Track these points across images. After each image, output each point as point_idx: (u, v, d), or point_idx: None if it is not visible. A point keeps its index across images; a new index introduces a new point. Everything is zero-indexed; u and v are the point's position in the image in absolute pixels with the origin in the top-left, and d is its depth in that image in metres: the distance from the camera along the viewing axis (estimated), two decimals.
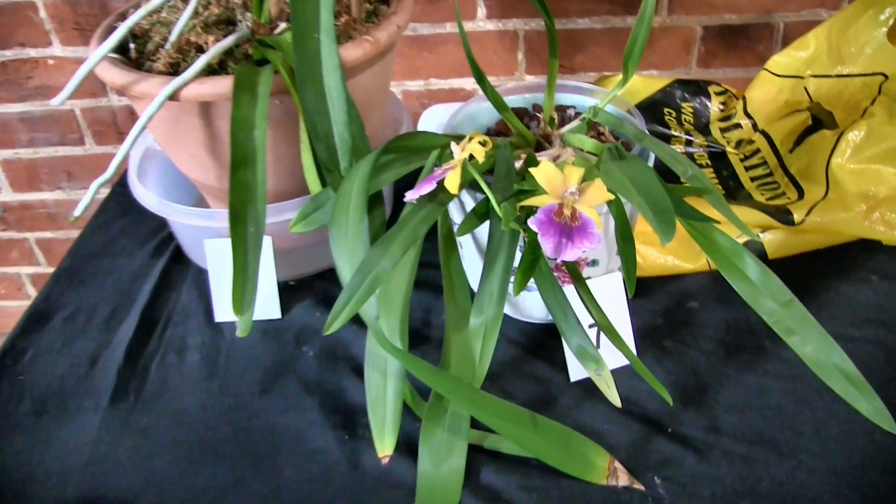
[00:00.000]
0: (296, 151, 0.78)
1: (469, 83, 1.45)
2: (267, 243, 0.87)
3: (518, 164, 0.73)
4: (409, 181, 0.71)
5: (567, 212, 0.54)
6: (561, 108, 0.88)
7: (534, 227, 0.54)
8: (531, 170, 0.54)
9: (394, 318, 0.64)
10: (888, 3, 1.06)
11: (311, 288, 0.97)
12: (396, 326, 0.64)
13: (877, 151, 0.96)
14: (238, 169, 0.69)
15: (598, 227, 0.54)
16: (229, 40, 0.77)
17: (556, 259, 0.55)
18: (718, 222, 0.60)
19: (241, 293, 0.67)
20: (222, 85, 0.75)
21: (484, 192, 0.67)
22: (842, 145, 0.97)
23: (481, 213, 0.66)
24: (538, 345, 0.87)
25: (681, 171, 0.63)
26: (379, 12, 0.89)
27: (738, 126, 1.14)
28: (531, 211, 0.61)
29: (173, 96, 0.76)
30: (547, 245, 0.54)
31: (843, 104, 1.07)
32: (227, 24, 0.83)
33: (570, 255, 0.54)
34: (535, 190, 0.63)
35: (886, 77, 1.05)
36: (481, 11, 1.37)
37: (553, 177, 0.54)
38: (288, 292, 0.96)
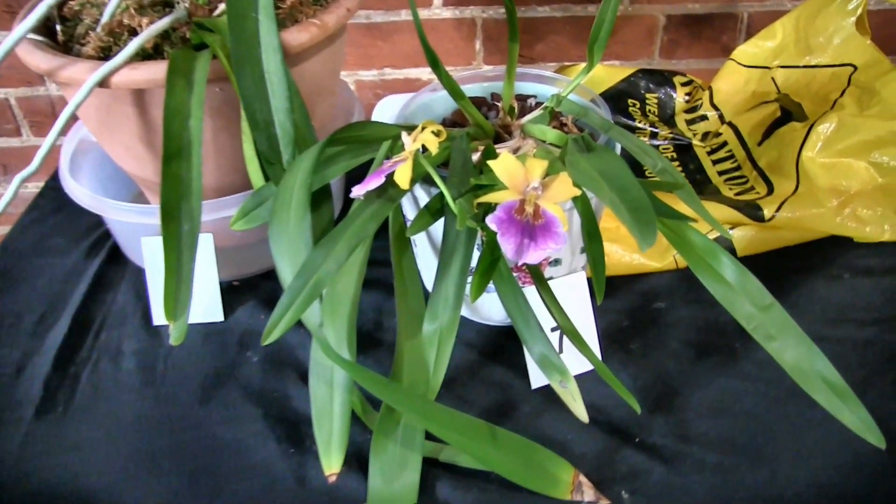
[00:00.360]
0: (238, 143, 0.72)
1: (426, 73, 1.40)
2: (207, 241, 0.82)
3: (475, 157, 0.69)
4: (361, 175, 0.66)
5: (529, 209, 0.49)
6: (521, 98, 0.83)
7: (493, 227, 0.48)
8: (490, 162, 0.49)
9: (340, 325, 0.59)
10: None
11: (256, 288, 0.91)
12: (343, 333, 0.59)
13: (848, 144, 0.93)
14: (171, 161, 0.63)
15: (563, 226, 0.49)
16: (164, 22, 0.71)
17: (517, 262, 0.50)
18: (695, 220, 0.56)
19: (173, 297, 0.61)
20: (156, 70, 0.69)
21: (439, 187, 0.62)
22: (812, 138, 0.94)
23: (435, 209, 0.60)
24: (497, 348, 0.82)
25: (650, 163, 0.59)
26: None
27: (704, 118, 1.10)
28: (490, 208, 0.56)
29: (103, 83, 0.70)
30: (507, 246, 0.49)
31: (812, 95, 1.03)
32: (164, 5, 0.77)
33: (533, 257, 0.49)
34: (495, 185, 0.58)
35: (855, 68, 1.02)
36: None
37: (514, 170, 0.49)
38: (231, 293, 0.90)
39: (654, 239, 0.36)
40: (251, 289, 0.91)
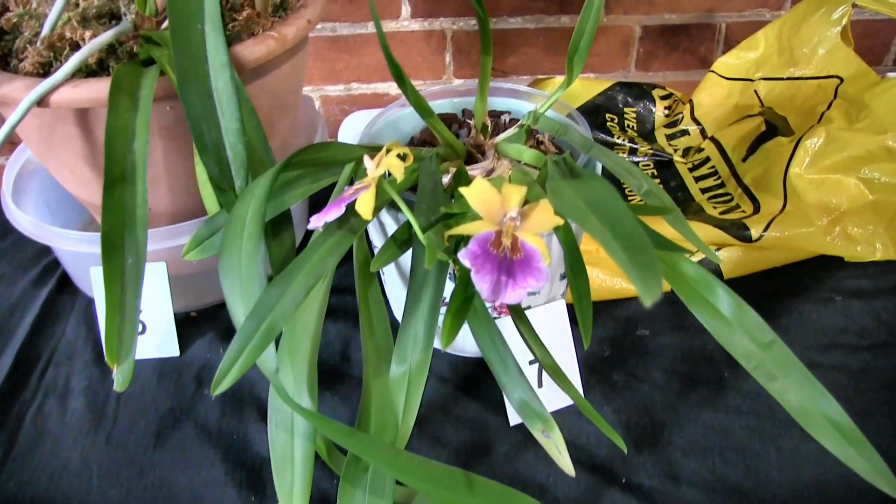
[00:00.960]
0: (191, 166, 0.67)
1: (395, 87, 1.35)
2: (160, 271, 0.76)
3: (446, 179, 0.64)
4: (324, 197, 0.61)
5: (507, 241, 0.44)
6: (494, 115, 0.79)
7: (466, 263, 0.43)
8: (462, 190, 0.44)
9: (300, 368, 0.53)
10: (840, 2, 0.99)
11: (215, 319, 0.86)
12: (303, 378, 0.53)
13: (837, 160, 0.89)
14: (114, 187, 0.57)
15: (544, 260, 0.44)
16: (107, 35, 0.65)
17: (494, 302, 0.44)
18: (690, 251, 0.51)
19: (116, 338, 0.55)
20: (99, 88, 0.64)
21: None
22: (800, 153, 0.90)
23: (402, 240, 0.55)
24: (472, 382, 0.77)
25: (635, 185, 0.54)
26: (287, 5, 0.78)
27: (685, 132, 1.06)
28: (463, 239, 0.51)
29: (42, 102, 0.64)
30: (483, 285, 0.44)
31: (797, 108, 0.99)
32: (110, 17, 0.71)
33: (511, 296, 0.44)
34: (467, 212, 0.53)
35: (842, 80, 0.98)
36: (406, 10, 1.27)
37: (488, 198, 0.44)
38: (188, 325, 0.84)
39: (660, 289, 0.31)
40: (210, 319, 0.86)
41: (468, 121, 0.75)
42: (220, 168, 0.56)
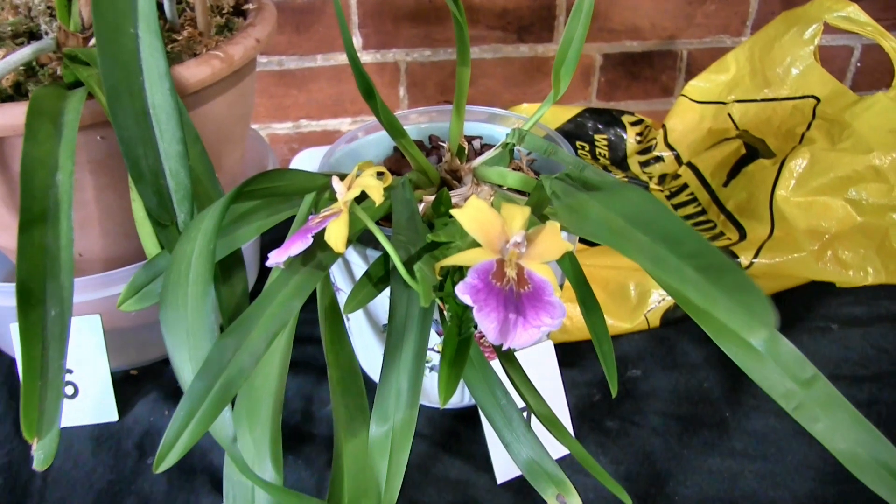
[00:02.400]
0: (127, 204, 0.58)
1: (345, 123, 1.27)
2: (94, 324, 0.67)
3: (420, 209, 0.56)
4: (279, 236, 0.53)
5: (511, 272, 0.37)
6: (466, 140, 0.72)
7: (466, 300, 0.36)
8: (455, 212, 0.37)
9: (261, 433, 0.45)
10: (812, 19, 0.95)
11: (159, 377, 0.76)
12: (266, 444, 0.45)
13: (824, 182, 0.84)
14: (31, 228, 0.49)
15: (555, 292, 0.37)
16: (23, 53, 0.57)
17: (501, 345, 0.37)
18: None
19: (35, 407, 0.46)
20: (15, 114, 0.55)
21: (377, 247, 0.49)
22: (785, 175, 0.84)
23: (378, 277, 0.47)
24: (452, 436, 0.69)
25: None
26: (233, 25, 0.70)
27: (659, 159, 1.00)
28: (450, 275, 0.43)
29: None
30: (489, 325, 0.36)
31: (775, 130, 0.94)
32: (28, 37, 0.63)
33: (523, 337, 0.36)
34: (451, 242, 0.46)
35: (819, 100, 0.93)
36: (357, 41, 1.20)
37: (487, 221, 0.37)
38: (128, 385, 0.75)
39: (772, 313, 0.24)
40: (153, 377, 0.76)
41: (440, 144, 0.68)
42: (159, 199, 0.48)
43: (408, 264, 0.43)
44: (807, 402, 0.43)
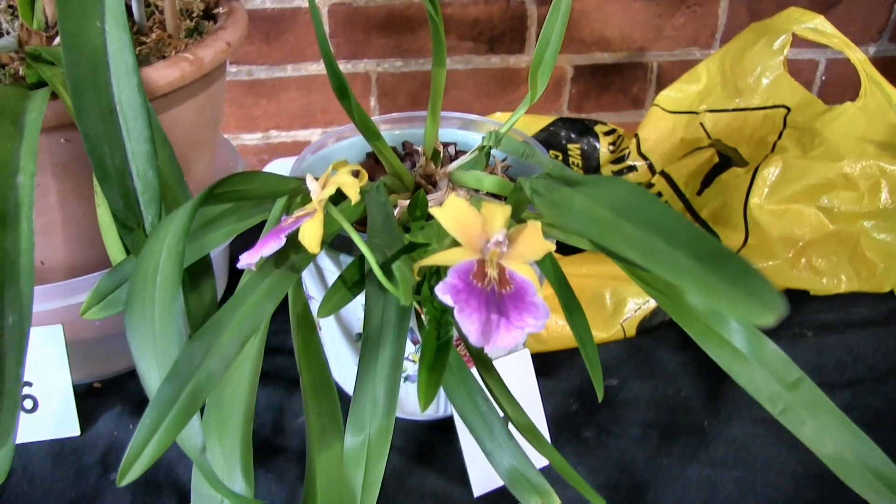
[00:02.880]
0: (92, 210, 0.56)
1: (316, 134, 1.26)
2: (55, 335, 0.65)
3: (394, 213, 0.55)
4: (250, 241, 0.52)
5: (492, 272, 0.36)
6: (440, 145, 0.70)
7: (447, 300, 0.34)
8: (434, 211, 0.35)
9: (231, 443, 0.43)
10: (780, 30, 0.95)
11: (123, 390, 0.74)
12: (236, 455, 0.43)
13: (796, 189, 0.84)
14: None
15: (538, 292, 0.36)
16: None
17: (482, 347, 0.35)
18: None
19: None
20: None
21: (350, 252, 0.48)
22: (758, 183, 0.84)
23: (352, 281, 0.46)
24: (426, 449, 0.67)
25: None
26: (203, 29, 0.69)
27: (632, 168, 1.00)
28: (430, 278, 0.42)
29: None
30: (470, 326, 0.35)
31: (747, 139, 0.94)
32: None
33: (506, 339, 0.35)
34: (428, 244, 0.45)
35: (789, 109, 0.94)
36: None
37: (467, 220, 0.36)
38: (91, 398, 0.72)
39: (780, 299, 0.23)
40: (117, 390, 0.74)
41: (415, 150, 0.67)
42: (125, 201, 0.46)
43: (384, 267, 0.42)
44: (793, 405, 0.43)
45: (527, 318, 0.35)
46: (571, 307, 0.45)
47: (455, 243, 0.44)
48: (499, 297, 0.36)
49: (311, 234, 0.39)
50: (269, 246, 0.41)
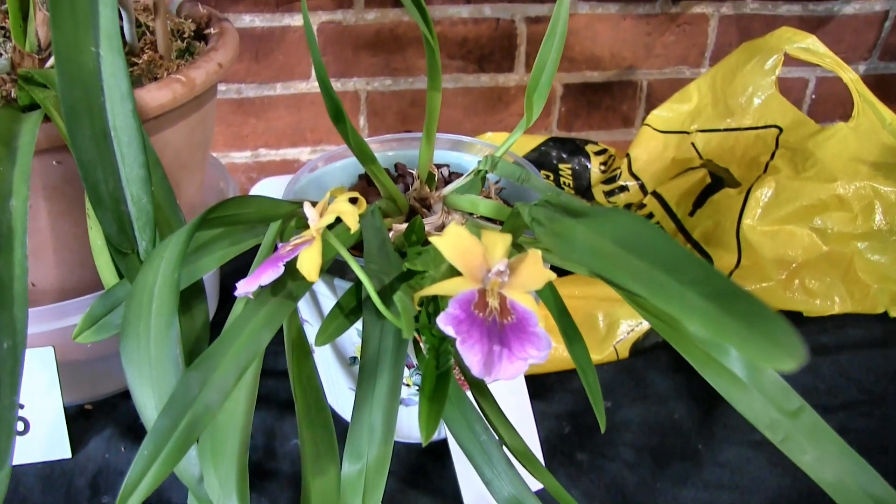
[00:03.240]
0: (84, 233, 0.55)
1: (305, 153, 1.25)
2: (47, 357, 0.64)
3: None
4: (240, 266, 0.51)
5: (493, 302, 0.35)
6: (434, 167, 0.70)
7: (449, 331, 0.34)
8: (434, 239, 0.35)
9: (226, 471, 0.42)
10: (772, 50, 0.95)
11: (114, 411, 0.73)
12: (232, 483, 0.43)
13: (789, 210, 0.84)
14: None
15: (540, 322, 0.35)
16: None
17: (486, 378, 0.35)
18: None
19: None
20: None
21: (346, 278, 0.48)
22: (751, 204, 0.85)
23: (349, 308, 0.46)
24: (419, 472, 0.67)
25: None
26: (194, 50, 0.69)
27: (624, 188, 1.00)
28: (428, 306, 0.41)
29: None
30: (472, 357, 0.34)
31: (738, 159, 0.95)
32: None
33: (508, 370, 0.35)
34: (425, 272, 0.44)
35: (781, 129, 0.94)
36: None
37: (468, 249, 0.35)
38: (82, 420, 0.72)
39: (800, 344, 0.23)
40: (108, 412, 0.73)
41: (410, 172, 0.67)
42: (119, 226, 0.46)
43: (381, 294, 0.41)
44: (793, 434, 0.42)
45: (529, 350, 0.35)
46: (571, 334, 0.45)
47: (451, 270, 0.43)
48: (500, 328, 0.35)
49: (309, 262, 0.39)
50: (267, 274, 0.41)
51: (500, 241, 0.36)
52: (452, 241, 0.35)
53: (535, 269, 0.36)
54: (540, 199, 0.41)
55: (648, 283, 0.26)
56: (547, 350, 0.35)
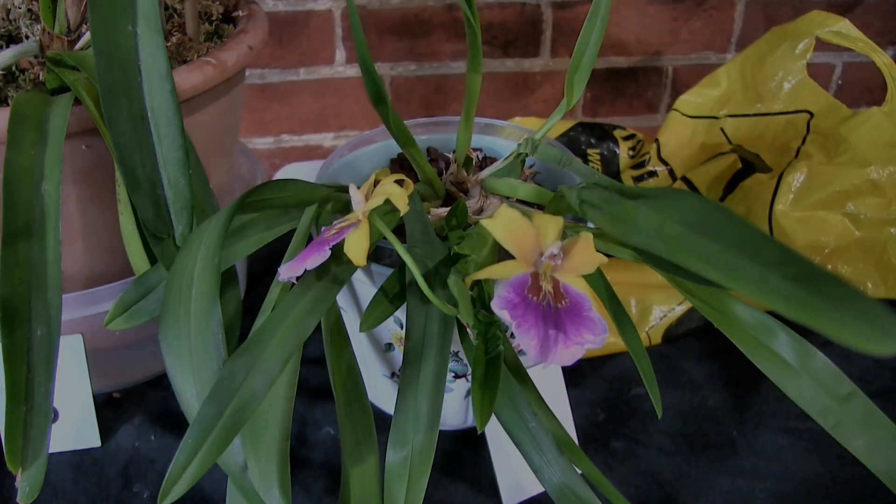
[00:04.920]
0: (114, 216, 0.55)
1: (328, 139, 1.24)
2: (75, 345, 0.63)
3: None
4: (274, 251, 0.50)
5: (547, 286, 0.34)
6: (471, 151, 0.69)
7: (504, 315, 0.33)
8: (485, 222, 0.34)
9: (267, 460, 0.42)
10: (803, 34, 0.93)
11: (143, 400, 0.72)
12: (273, 473, 0.42)
13: (822, 196, 0.83)
14: (15, 241, 0.45)
15: (593, 307, 0.34)
16: (4, 56, 0.54)
17: (543, 362, 0.34)
18: None
19: (20, 435, 0.43)
20: None
21: (382, 264, 0.47)
22: (783, 189, 0.83)
23: (393, 293, 0.45)
24: (454, 461, 0.66)
25: None
26: (222, 33, 0.67)
27: (653, 174, 0.98)
28: (475, 291, 0.40)
29: None
30: (529, 342, 0.33)
31: (769, 145, 0.93)
32: (7, 41, 0.60)
33: (565, 355, 0.34)
34: (469, 256, 0.43)
35: (812, 114, 0.92)
36: (340, 55, 1.18)
37: (521, 232, 0.34)
38: (111, 409, 0.71)
39: None
40: (137, 401, 0.72)
41: (444, 154, 0.65)
42: (155, 210, 0.45)
43: (426, 278, 0.40)
44: (845, 420, 0.41)
45: (585, 334, 0.34)
46: (622, 321, 0.44)
47: (492, 254, 0.42)
48: (555, 312, 0.34)
49: (357, 246, 0.38)
50: (313, 258, 0.39)
51: (552, 224, 0.35)
52: (505, 224, 0.34)
53: (587, 253, 0.35)
54: (586, 182, 0.40)
55: (724, 267, 0.25)
56: (603, 335, 0.34)
